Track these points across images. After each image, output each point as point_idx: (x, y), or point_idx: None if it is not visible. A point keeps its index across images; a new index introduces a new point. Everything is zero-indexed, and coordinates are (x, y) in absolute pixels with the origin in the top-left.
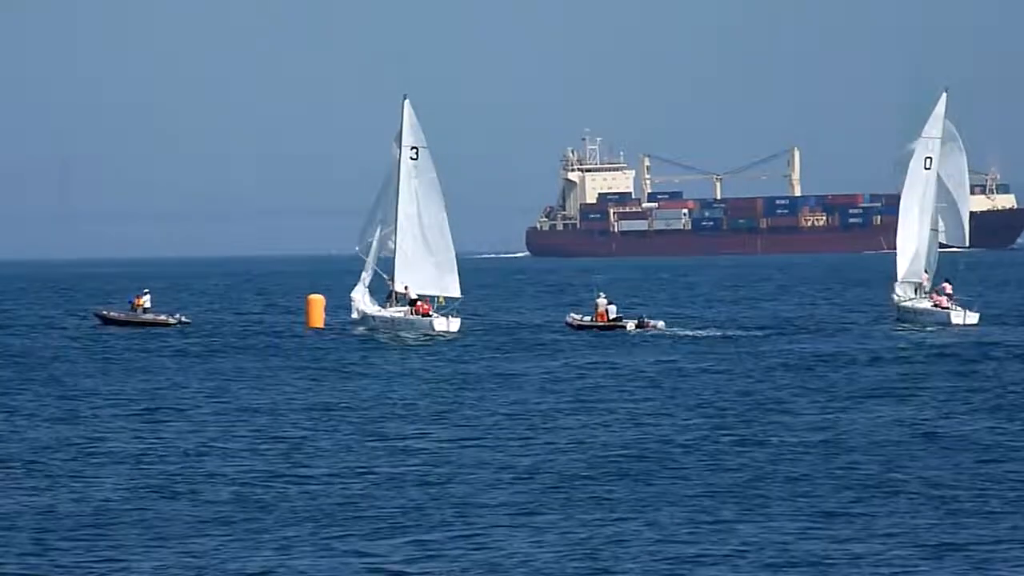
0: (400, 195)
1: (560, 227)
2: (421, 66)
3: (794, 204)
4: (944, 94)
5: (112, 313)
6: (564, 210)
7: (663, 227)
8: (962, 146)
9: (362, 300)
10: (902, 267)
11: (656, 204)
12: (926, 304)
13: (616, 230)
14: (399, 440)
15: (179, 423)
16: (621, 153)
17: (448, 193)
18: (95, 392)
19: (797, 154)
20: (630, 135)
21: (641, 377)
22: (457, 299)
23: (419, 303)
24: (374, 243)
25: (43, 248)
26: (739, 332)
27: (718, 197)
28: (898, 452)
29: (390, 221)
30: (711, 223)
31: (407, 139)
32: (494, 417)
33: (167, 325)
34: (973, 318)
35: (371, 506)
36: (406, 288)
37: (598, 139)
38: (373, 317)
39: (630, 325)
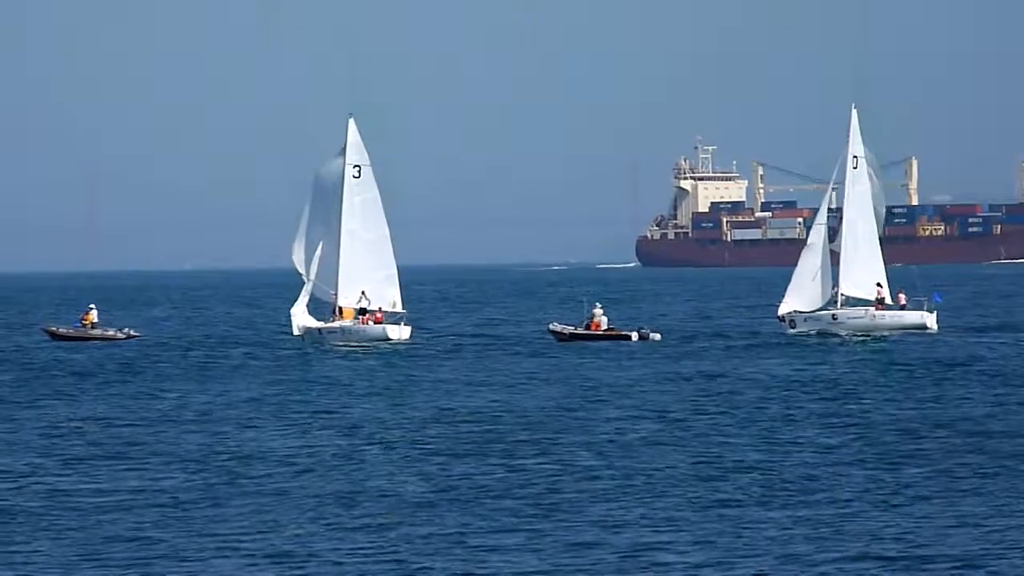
0: (343, 211)
1: (671, 236)
2: (528, 78)
3: (912, 213)
4: (854, 110)
5: (61, 329)
6: (675, 219)
7: (777, 236)
8: (871, 172)
9: (302, 316)
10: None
11: (770, 213)
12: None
13: (729, 239)
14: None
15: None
16: (734, 162)
17: (549, 204)
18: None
19: (915, 163)
20: (743, 144)
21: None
22: (401, 313)
23: (367, 314)
24: (315, 259)
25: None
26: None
27: (833, 206)
28: None
29: (329, 239)
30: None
31: (351, 157)
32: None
33: (115, 340)
34: (932, 319)
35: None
36: (363, 294)
37: (711, 148)
38: (320, 330)
39: (634, 336)
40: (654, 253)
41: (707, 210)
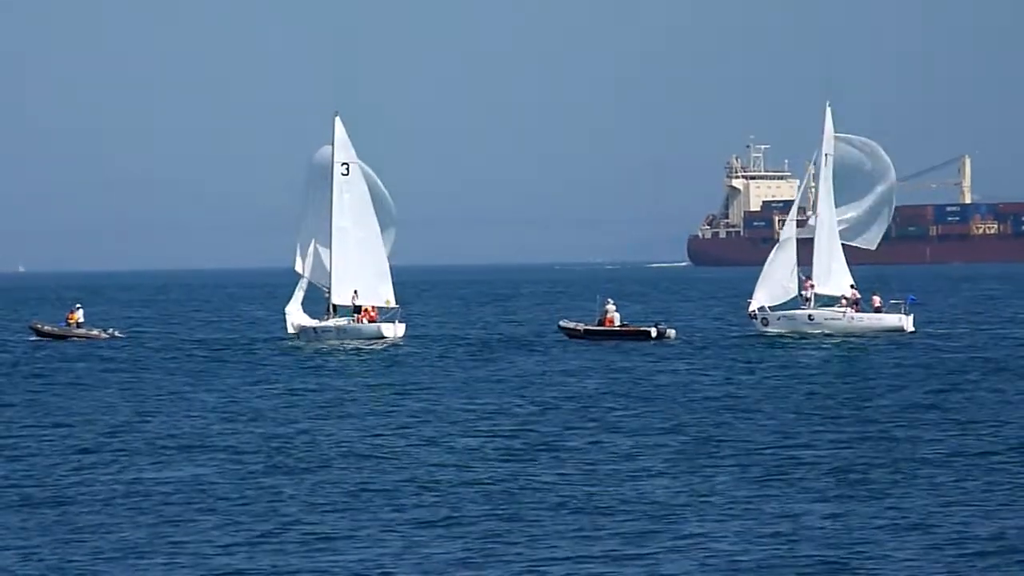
0: (333, 209)
1: (723, 235)
2: (590, 76)
3: (965, 211)
4: (828, 109)
5: (46, 327)
6: (727, 218)
7: None
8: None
9: (297, 314)
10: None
11: None
12: (844, 311)
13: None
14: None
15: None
16: (785, 161)
17: (610, 203)
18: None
19: (968, 161)
20: (795, 142)
21: None
22: (395, 309)
23: (365, 310)
24: (309, 257)
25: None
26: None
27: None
28: None
29: (321, 235)
30: None
31: (338, 155)
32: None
33: (99, 339)
34: (909, 321)
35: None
36: (355, 293)
37: (763, 146)
38: (315, 330)
39: (653, 332)
40: (705, 252)
41: (759, 209)
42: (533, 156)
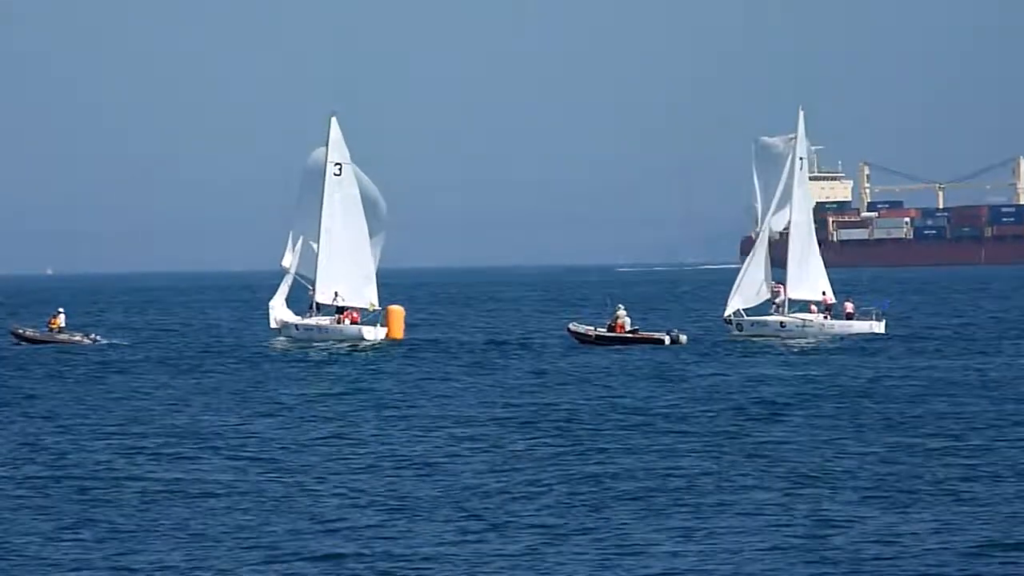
0: (323, 209)
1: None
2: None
3: (1020, 212)
4: (801, 112)
5: (28, 332)
6: None
7: (884, 236)
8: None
9: (281, 309)
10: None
11: (876, 213)
12: (816, 316)
13: (835, 239)
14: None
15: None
16: (839, 162)
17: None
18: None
19: (1023, 162)
20: (848, 144)
21: None
22: (377, 311)
23: (347, 312)
24: (296, 253)
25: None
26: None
27: (940, 206)
28: None
29: (311, 234)
30: (934, 232)
31: (332, 155)
32: None
33: (81, 344)
34: (880, 327)
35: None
36: (336, 295)
37: (816, 148)
38: (297, 326)
39: (667, 339)
40: None
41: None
42: (560, 157)
